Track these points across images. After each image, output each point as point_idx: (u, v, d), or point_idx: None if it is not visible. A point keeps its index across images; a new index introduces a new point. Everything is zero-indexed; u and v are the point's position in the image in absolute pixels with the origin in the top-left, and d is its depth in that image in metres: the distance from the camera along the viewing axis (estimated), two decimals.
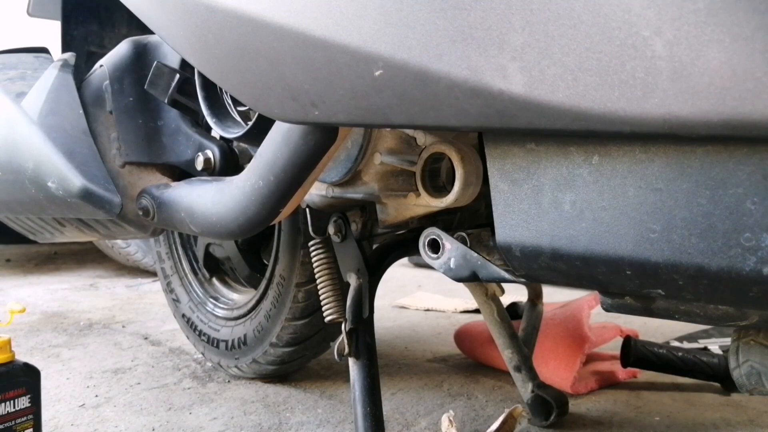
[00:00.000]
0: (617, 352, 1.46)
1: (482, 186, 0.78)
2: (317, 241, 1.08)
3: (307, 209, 1.03)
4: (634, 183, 0.49)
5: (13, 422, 0.94)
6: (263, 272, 1.42)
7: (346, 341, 0.96)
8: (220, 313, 1.54)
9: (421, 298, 2.49)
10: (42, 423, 0.99)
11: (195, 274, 1.62)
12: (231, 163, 1.05)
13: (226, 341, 1.49)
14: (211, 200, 0.92)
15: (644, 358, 1.38)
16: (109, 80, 1.08)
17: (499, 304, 1.28)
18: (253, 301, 1.43)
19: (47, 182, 1.04)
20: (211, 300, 1.58)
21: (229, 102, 0.94)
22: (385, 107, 0.55)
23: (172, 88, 0.98)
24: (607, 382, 1.47)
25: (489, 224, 0.83)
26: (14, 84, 1.23)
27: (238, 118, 0.93)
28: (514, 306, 1.65)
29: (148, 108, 1.09)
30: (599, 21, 0.42)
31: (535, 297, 1.47)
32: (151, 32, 0.88)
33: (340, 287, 1.07)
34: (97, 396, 1.42)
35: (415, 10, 0.50)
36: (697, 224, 0.46)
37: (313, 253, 1.08)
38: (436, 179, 0.82)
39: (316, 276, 1.08)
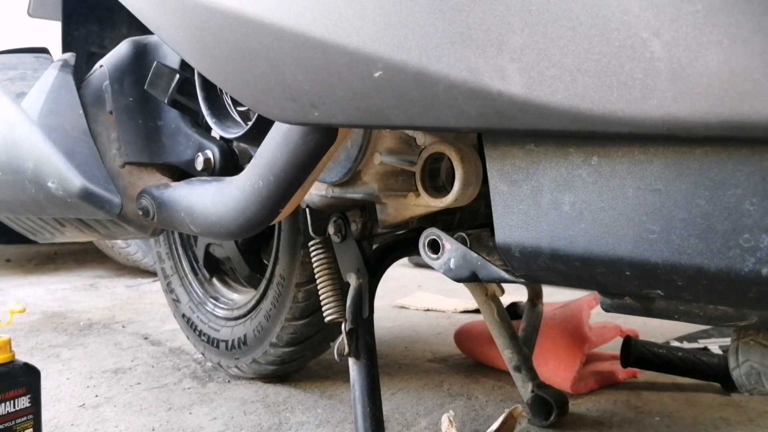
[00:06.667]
0: (617, 352, 1.46)
1: (482, 186, 0.78)
2: (317, 241, 1.08)
3: (307, 209, 1.03)
4: (633, 184, 0.49)
5: (13, 422, 0.94)
6: (263, 272, 1.42)
7: (346, 341, 0.97)
8: (220, 313, 1.54)
9: (421, 298, 2.49)
10: (42, 423, 0.99)
11: (195, 274, 1.62)
12: (231, 163, 1.05)
13: (226, 341, 1.49)
14: (211, 200, 0.92)
15: (644, 358, 1.38)
16: (109, 80, 1.08)
17: (499, 304, 1.28)
18: (253, 301, 1.43)
19: (47, 182, 1.05)
20: (211, 300, 1.58)
21: (229, 102, 0.94)
22: (384, 108, 0.55)
23: (172, 88, 0.99)
24: (607, 382, 1.47)
25: (489, 224, 0.83)
26: (14, 84, 1.24)
27: (238, 119, 0.94)
28: (514, 306, 1.65)
29: (148, 108, 1.09)
30: (598, 22, 0.42)
31: (535, 297, 1.47)
32: (151, 32, 0.88)
33: (340, 287, 1.07)
34: (97, 396, 1.43)
35: (415, 12, 0.50)
36: (696, 225, 0.46)
37: (313, 253, 1.08)
38: (436, 179, 0.82)
39: (316, 276, 1.08)
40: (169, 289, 1.66)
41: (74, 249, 3.83)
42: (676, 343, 1.77)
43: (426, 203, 0.80)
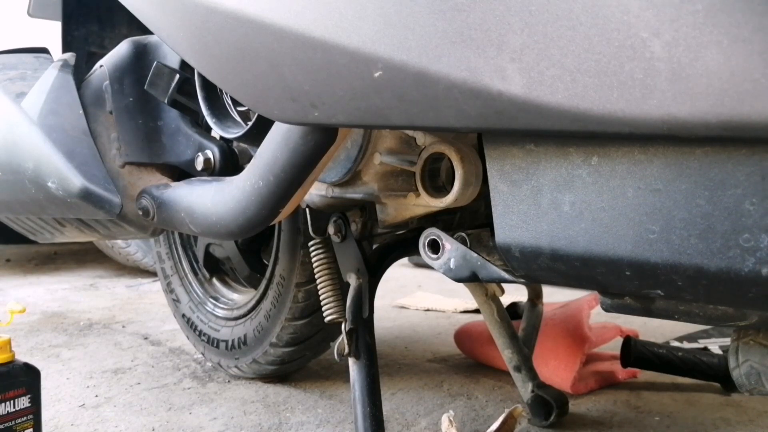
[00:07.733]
0: (617, 352, 1.46)
1: (482, 186, 0.78)
2: (317, 241, 1.08)
3: (307, 209, 1.03)
4: (633, 184, 0.49)
5: (13, 422, 0.94)
6: (263, 272, 1.42)
7: (346, 341, 0.97)
8: (220, 313, 1.54)
9: (421, 298, 2.49)
10: (42, 423, 0.99)
11: (195, 274, 1.62)
12: (231, 163, 1.05)
13: (226, 341, 1.49)
14: (211, 200, 0.92)
15: (644, 358, 1.38)
16: (109, 80, 1.08)
17: (499, 304, 1.28)
18: (253, 301, 1.43)
19: (47, 182, 1.04)
20: (211, 300, 1.58)
21: (229, 102, 0.94)
22: (384, 108, 0.55)
23: (172, 88, 0.99)
24: (607, 382, 1.47)
25: (489, 224, 0.83)
26: (14, 84, 1.23)
27: (238, 119, 0.94)
28: (514, 306, 1.65)
29: (148, 108, 1.09)
30: (598, 22, 0.42)
31: (535, 297, 1.47)
32: (151, 32, 0.88)
33: (340, 287, 1.07)
34: (97, 396, 1.43)
35: (415, 12, 0.50)
36: (696, 225, 0.46)
37: (313, 253, 1.08)
38: (436, 179, 0.82)
39: (316, 276, 1.08)
40: (169, 289, 1.66)
41: (74, 249, 3.83)
42: (676, 343, 1.77)
43: (426, 203, 0.80)
